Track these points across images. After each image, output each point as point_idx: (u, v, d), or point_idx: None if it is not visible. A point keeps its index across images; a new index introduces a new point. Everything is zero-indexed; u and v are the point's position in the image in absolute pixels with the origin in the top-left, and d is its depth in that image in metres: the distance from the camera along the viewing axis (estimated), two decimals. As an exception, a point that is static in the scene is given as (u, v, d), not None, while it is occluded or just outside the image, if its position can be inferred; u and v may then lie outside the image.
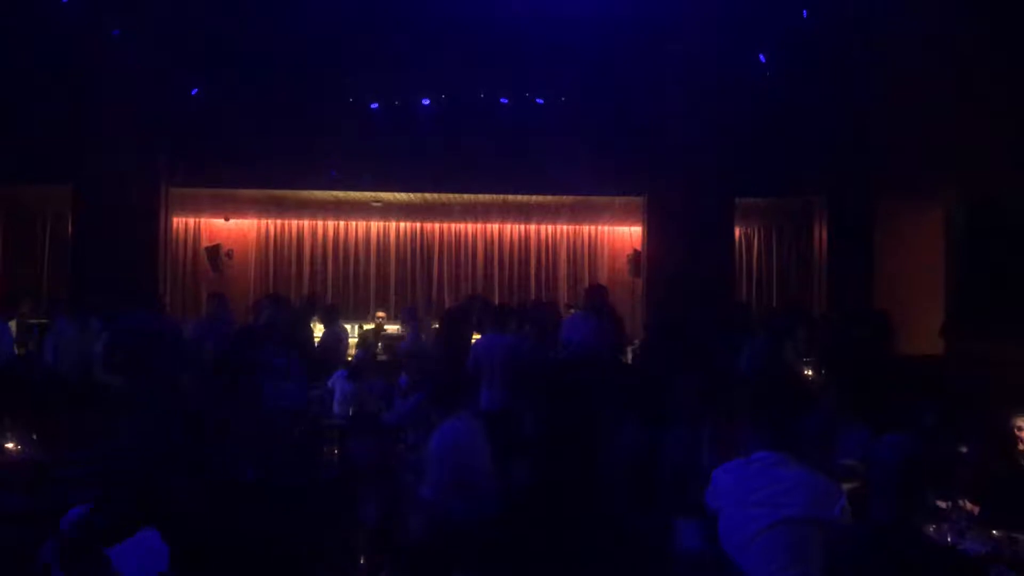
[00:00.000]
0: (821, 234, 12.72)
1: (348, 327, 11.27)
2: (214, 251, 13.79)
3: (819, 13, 12.13)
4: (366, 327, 11.45)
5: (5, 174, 12.35)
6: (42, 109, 11.84)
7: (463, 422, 4.80)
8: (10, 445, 5.70)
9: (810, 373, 8.41)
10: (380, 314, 12.23)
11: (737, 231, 12.87)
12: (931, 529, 3.74)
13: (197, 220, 14.00)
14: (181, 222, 13.67)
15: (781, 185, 13.03)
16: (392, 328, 11.89)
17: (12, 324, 10.41)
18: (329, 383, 8.05)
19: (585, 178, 13.31)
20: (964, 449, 5.31)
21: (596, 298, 8.70)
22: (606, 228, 14.41)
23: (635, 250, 13.49)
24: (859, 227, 11.92)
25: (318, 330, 10.38)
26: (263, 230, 14.32)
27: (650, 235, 11.97)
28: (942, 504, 4.08)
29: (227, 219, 14.06)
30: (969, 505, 4.09)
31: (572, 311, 10.47)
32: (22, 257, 12.85)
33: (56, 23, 11.38)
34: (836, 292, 12.16)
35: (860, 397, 6.06)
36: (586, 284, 14.13)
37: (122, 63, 10.94)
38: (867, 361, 7.55)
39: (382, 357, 9.41)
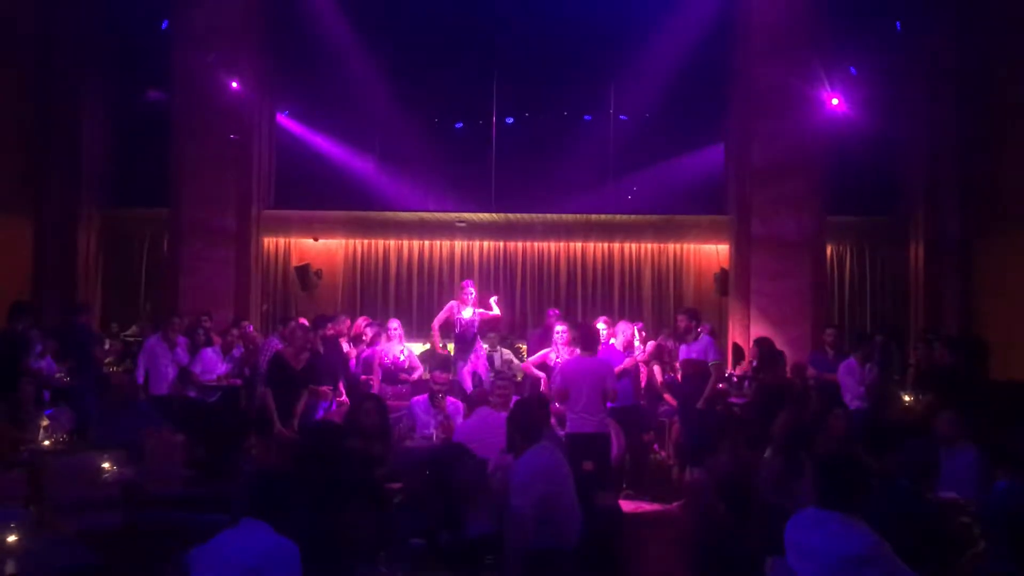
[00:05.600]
0: (917, 253, 12.25)
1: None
2: (304, 270, 14.03)
3: (917, 29, 11.79)
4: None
5: (105, 198, 12.88)
6: (139, 136, 12.30)
7: (546, 451, 4.71)
8: (106, 465, 5.84)
9: (908, 398, 8.10)
10: None
11: (829, 249, 12.49)
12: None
13: (287, 240, 14.28)
14: (272, 242, 13.97)
15: (875, 203, 12.63)
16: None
17: (107, 343, 10.79)
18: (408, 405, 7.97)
19: (671, 196, 13.12)
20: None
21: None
22: (692, 246, 14.13)
23: (722, 268, 13.21)
24: (957, 245, 11.45)
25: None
26: (351, 250, 14.50)
27: (738, 254, 11.70)
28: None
29: (316, 239, 14.31)
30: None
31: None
32: (121, 278, 13.31)
33: (150, 52, 11.85)
34: (933, 313, 11.70)
35: (968, 422, 5.77)
36: (671, 303, 13.89)
37: (214, 90, 11.25)
38: (971, 385, 7.22)
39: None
